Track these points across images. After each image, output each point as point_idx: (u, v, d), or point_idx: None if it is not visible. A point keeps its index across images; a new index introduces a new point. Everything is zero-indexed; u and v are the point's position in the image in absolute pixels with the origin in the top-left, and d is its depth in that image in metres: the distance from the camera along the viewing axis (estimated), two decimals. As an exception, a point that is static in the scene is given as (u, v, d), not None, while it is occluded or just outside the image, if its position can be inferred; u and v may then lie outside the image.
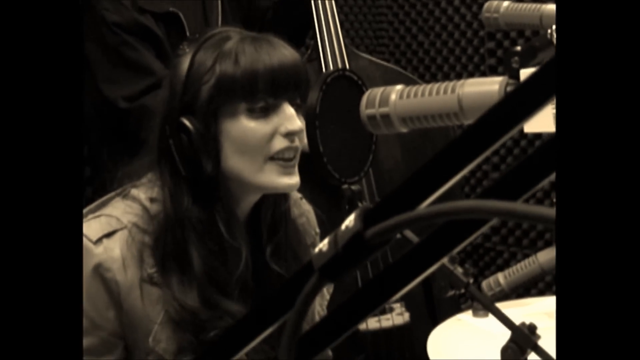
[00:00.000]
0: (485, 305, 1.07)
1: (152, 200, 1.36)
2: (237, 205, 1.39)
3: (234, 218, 1.37)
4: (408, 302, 2.41)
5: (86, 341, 1.29)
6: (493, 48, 3.14)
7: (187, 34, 2.06)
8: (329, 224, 1.66)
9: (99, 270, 1.30)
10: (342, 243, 0.47)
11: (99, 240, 1.31)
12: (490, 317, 1.98)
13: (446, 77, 3.28)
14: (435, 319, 2.53)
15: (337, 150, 1.10)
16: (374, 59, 2.51)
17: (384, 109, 1.07)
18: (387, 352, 2.34)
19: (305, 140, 1.33)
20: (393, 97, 1.07)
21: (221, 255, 1.35)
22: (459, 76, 3.24)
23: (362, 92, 1.18)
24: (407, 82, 2.46)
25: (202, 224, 1.33)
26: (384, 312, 2.37)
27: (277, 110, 1.33)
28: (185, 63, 1.33)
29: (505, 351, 1.04)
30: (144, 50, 2.01)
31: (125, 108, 1.98)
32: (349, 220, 0.48)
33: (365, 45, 3.39)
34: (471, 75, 3.20)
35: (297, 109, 1.34)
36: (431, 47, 3.31)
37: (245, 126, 1.31)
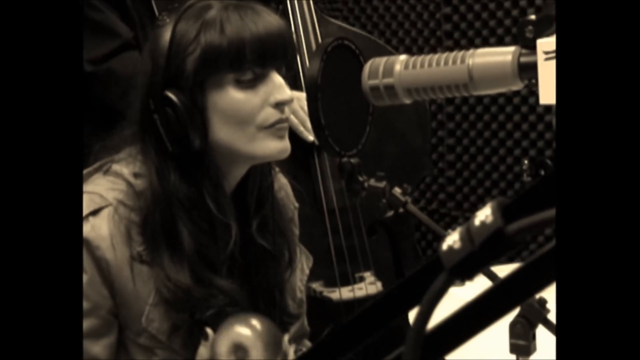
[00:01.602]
0: (492, 279, 1.05)
1: (136, 175, 1.31)
2: (225, 179, 1.35)
3: (222, 193, 1.33)
4: (377, 271, 2.40)
5: (87, 323, 1.24)
6: (449, 13, 3.12)
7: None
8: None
9: (89, 248, 1.25)
10: (480, 240, 0.43)
11: (85, 219, 1.25)
12: (467, 285, 1.99)
13: (401, 43, 3.24)
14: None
15: (337, 122, 1.07)
16: (343, 24, 2.46)
17: (388, 80, 1.04)
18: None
19: (293, 108, 1.30)
20: (397, 67, 1.03)
21: (210, 231, 1.31)
22: (414, 41, 3.21)
23: (360, 62, 1.15)
24: (377, 48, 2.44)
25: (190, 200, 1.29)
26: (356, 281, 2.36)
27: (265, 80, 1.29)
28: (166, 34, 1.27)
29: (514, 326, 1.02)
30: (108, 12, 1.94)
31: (91, 71, 1.91)
32: (484, 215, 0.44)
33: (320, 9, 3.33)
34: (427, 40, 3.18)
35: (284, 79, 1.30)
36: (386, 12, 3.27)
37: (234, 98, 1.27)
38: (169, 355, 1.31)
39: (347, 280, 2.34)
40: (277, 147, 1.30)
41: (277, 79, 1.29)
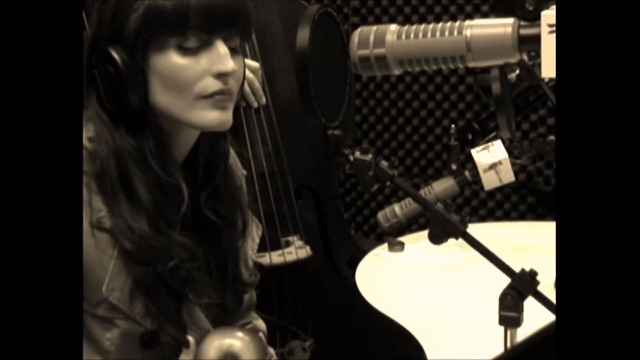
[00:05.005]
0: (484, 253, 1.05)
1: (90, 140, 1.25)
2: (173, 142, 1.31)
3: (167, 155, 1.28)
4: (304, 234, 2.39)
5: None
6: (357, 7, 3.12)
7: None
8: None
9: None
10: None
11: None
12: (406, 251, 2.01)
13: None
14: (330, 252, 2.52)
15: (323, 93, 1.04)
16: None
17: (379, 50, 1.02)
18: (291, 285, 2.32)
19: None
20: (389, 37, 1.01)
21: (162, 189, 1.27)
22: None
23: (340, 30, 1.12)
24: (304, 10, 2.39)
25: (139, 152, 1.25)
26: (284, 246, 2.34)
27: (209, 48, 1.23)
28: None
29: (504, 298, 1.02)
30: None
31: None
32: None
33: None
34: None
35: (234, 51, 1.25)
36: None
37: (174, 63, 1.22)
38: (130, 326, 1.26)
39: (277, 244, 2.32)
40: (216, 117, 1.25)
41: (221, 48, 1.23)
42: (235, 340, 1.20)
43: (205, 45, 1.23)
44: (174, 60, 1.23)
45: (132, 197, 1.25)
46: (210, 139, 1.36)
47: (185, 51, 1.23)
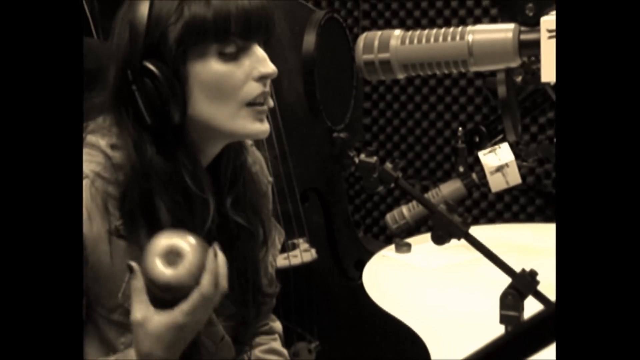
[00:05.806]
0: (485, 254, 1.07)
1: (113, 147, 1.25)
2: (202, 155, 1.31)
3: (199, 168, 1.29)
4: (310, 237, 2.41)
5: None
6: (367, 10, 3.14)
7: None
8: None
9: None
10: None
11: None
12: (413, 252, 2.03)
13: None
14: (337, 255, 2.54)
15: (329, 97, 1.06)
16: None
17: (383, 55, 1.04)
18: (296, 288, 2.33)
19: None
20: (393, 42, 1.03)
21: (188, 207, 1.27)
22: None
23: (346, 35, 1.14)
24: (310, 14, 2.41)
25: (167, 174, 1.24)
26: (290, 249, 2.36)
27: (247, 52, 1.25)
28: (145, 3, 1.22)
29: (505, 297, 1.04)
30: None
31: None
32: None
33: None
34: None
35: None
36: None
37: (217, 70, 1.23)
38: None
39: (283, 247, 2.34)
40: (258, 127, 1.27)
41: (259, 52, 1.26)
42: (179, 240, 1.18)
43: (242, 50, 1.25)
44: (215, 67, 1.23)
45: (151, 223, 1.24)
46: (233, 148, 1.37)
47: (225, 57, 1.23)
